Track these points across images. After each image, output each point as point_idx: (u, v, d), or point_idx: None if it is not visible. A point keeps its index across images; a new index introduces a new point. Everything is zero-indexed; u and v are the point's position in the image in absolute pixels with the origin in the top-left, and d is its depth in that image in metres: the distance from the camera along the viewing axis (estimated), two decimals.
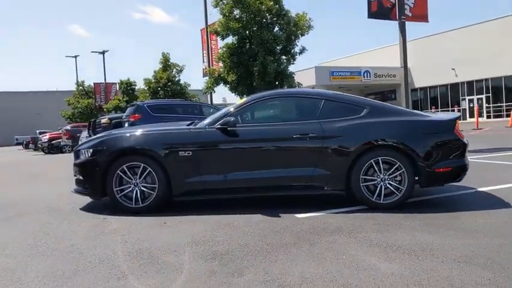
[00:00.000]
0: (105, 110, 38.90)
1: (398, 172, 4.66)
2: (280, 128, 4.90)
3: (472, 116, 31.32)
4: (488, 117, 33.58)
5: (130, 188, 4.89)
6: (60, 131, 26.77)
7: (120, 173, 4.83)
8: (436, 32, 36.23)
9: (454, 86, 36.19)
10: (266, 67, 18.67)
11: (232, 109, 5.07)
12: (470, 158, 9.59)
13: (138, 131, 5.17)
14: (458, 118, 5.02)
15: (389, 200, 4.68)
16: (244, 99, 5.33)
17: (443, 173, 4.73)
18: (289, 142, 4.81)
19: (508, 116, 25.48)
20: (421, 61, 35.81)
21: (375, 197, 4.67)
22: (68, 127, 25.82)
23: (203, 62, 23.72)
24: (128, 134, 5.10)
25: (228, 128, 4.82)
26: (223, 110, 5.22)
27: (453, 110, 24.28)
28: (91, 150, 4.99)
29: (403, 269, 2.97)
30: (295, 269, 3.02)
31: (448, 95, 36.61)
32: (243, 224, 4.26)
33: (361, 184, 4.68)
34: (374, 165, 4.68)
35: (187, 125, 5.22)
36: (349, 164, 4.69)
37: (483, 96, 34.28)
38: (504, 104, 32.55)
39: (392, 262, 3.10)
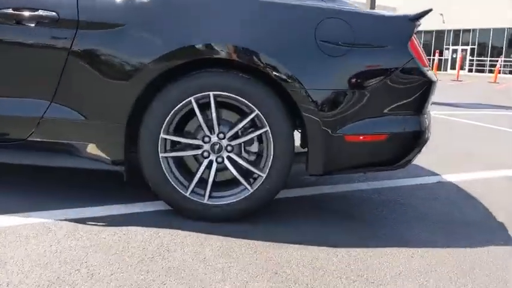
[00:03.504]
0: None
1: (256, 133, 1.85)
2: None
3: (453, 67, 28.83)
4: (470, 70, 31.11)
5: None
6: None
7: None
8: None
9: (440, 34, 33.24)
10: None
11: None
12: (442, 113, 6.40)
13: None
14: (422, 16, 2.09)
15: (226, 198, 1.89)
16: None
17: (368, 144, 1.92)
18: None
19: (490, 71, 22.91)
20: (408, 2, 32.49)
21: (190, 189, 1.87)
22: None
23: None
24: None
25: None
26: None
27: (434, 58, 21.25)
28: None
29: None
30: None
31: (432, 43, 33.64)
32: None
33: (162, 155, 1.86)
34: (196, 109, 1.83)
35: None
36: (134, 99, 1.83)
37: (468, 48, 31.54)
38: (488, 59, 29.91)
39: None
